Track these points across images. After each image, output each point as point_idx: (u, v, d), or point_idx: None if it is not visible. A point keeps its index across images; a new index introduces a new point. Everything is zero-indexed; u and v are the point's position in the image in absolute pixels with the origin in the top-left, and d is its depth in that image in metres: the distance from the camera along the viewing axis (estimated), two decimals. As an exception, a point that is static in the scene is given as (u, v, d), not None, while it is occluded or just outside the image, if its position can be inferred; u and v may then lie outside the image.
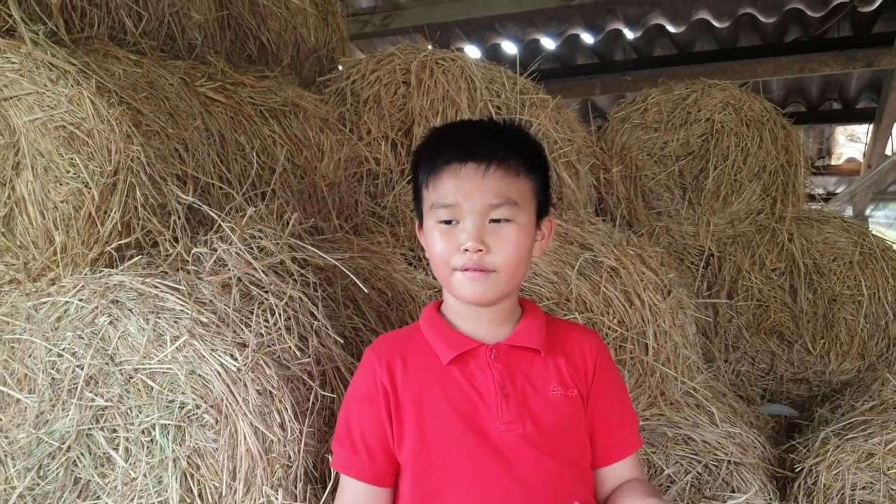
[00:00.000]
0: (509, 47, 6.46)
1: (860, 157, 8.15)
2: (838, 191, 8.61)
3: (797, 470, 2.38)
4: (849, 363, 3.43)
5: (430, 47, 3.05)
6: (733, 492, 2.13)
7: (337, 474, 1.46)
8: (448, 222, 1.37)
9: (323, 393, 1.68)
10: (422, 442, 1.37)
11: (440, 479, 1.36)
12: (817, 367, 3.46)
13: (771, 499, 2.22)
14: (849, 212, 7.42)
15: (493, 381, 1.39)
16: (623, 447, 1.51)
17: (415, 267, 2.53)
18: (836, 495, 2.19)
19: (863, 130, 7.67)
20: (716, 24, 5.74)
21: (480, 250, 1.33)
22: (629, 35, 6.11)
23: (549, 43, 6.32)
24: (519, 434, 1.36)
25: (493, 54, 6.40)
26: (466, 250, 1.34)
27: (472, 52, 6.35)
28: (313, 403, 1.66)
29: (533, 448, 1.36)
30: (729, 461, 2.27)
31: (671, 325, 2.51)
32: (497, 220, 1.36)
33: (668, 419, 2.42)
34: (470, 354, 1.42)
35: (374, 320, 2.05)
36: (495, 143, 1.38)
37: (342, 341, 1.83)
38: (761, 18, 5.58)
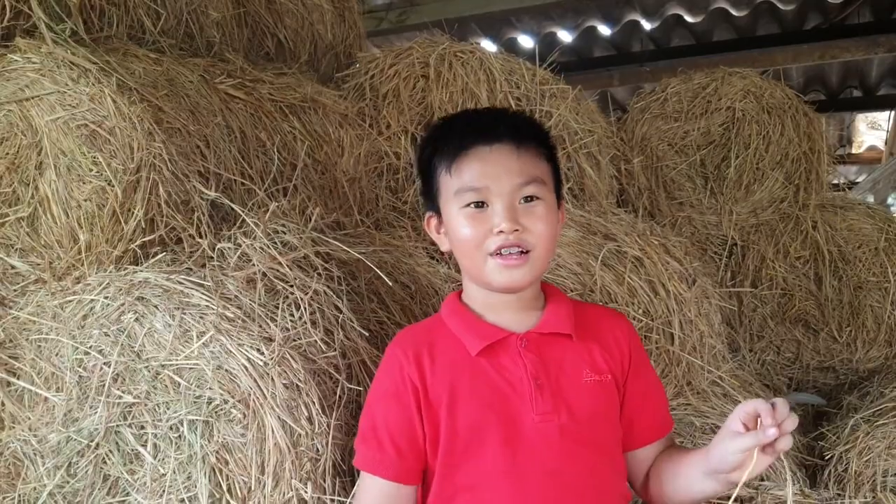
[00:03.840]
0: (525, 41, 6.43)
1: (881, 145, 8.08)
2: (859, 180, 8.54)
3: (827, 457, 2.36)
4: (876, 350, 3.39)
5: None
6: (763, 480, 2.11)
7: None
8: (479, 205, 1.35)
9: (349, 386, 1.68)
10: (453, 437, 1.34)
11: (472, 474, 1.33)
12: (844, 355, 3.42)
13: (801, 486, 2.20)
14: (870, 200, 7.34)
15: (526, 371, 1.35)
16: (663, 427, 1.50)
17: (437, 261, 2.52)
18: (868, 482, 2.16)
19: (884, 118, 7.60)
20: (734, 12, 5.69)
21: (517, 230, 1.32)
22: (646, 26, 6.07)
23: (565, 36, 6.30)
24: (555, 425, 1.33)
25: (510, 49, 6.36)
26: (501, 231, 1.32)
27: (488, 47, 6.32)
28: (340, 397, 1.65)
29: (568, 439, 1.33)
30: (758, 450, 2.25)
31: (697, 315, 2.49)
32: (528, 200, 1.35)
33: (695, 409, 2.40)
34: (499, 345, 1.38)
35: (399, 314, 2.05)
36: (515, 127, 1.39)
37: (367, 334, 1.82)
38: (780, 6, 5.52)
